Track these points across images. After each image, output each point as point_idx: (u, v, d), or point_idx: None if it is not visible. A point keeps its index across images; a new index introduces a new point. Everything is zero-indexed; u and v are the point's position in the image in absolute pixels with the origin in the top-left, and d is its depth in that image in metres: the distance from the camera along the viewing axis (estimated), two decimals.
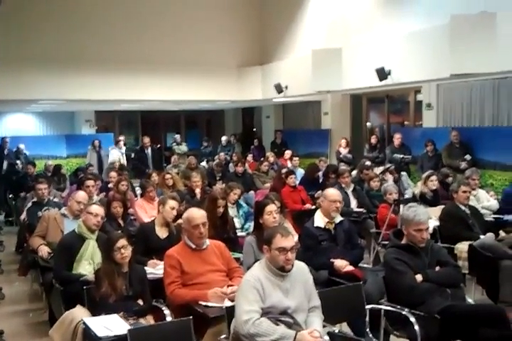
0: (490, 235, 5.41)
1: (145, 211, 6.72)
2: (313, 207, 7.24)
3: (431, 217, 5.35)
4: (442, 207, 6.12)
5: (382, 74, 8.62)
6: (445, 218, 5.72)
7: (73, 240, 4.59)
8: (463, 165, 8.70)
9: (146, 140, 12.76)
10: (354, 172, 8.75)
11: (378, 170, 9.19)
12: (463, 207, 5.73)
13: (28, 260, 5.55)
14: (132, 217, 6.60)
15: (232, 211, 6.16)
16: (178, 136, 14.73)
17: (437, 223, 5.84)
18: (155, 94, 11.69)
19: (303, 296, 3.30)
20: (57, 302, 4.50)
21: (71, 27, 10.98)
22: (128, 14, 11.55)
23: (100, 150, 13.26)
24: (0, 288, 6.02)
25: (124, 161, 12.60)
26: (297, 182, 8.34)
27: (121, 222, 5.95)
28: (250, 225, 5.93)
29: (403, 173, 9.07)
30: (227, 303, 3.61)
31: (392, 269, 3.85)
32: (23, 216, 6.91)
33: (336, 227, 4.79)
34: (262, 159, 11.16)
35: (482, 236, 5.37)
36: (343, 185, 7.41)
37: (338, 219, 4.85)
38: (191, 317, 3.33)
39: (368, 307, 3.79)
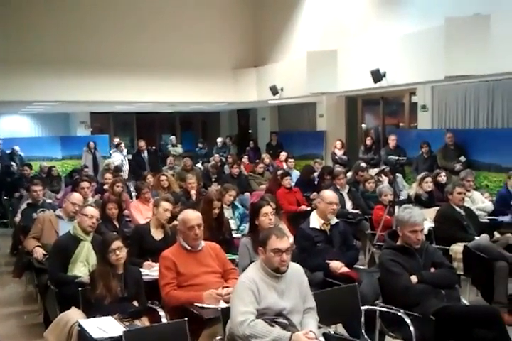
0: (484, 236, 5.43)
1: (140, 212, 6.71)
2: (309, 208, 7.25)
3: (426, 219, 5.36)
4: (437, 208, 6.13)
5: (377, 76, 8.64)
6: (440, 219, 5.73)
7: (68, 242, 4.58)
8: (457, 166, 8.73)
9: (142, 143, 12.71)
10: (349, 174, 8.76)
11: (373, 171, 9.22)
12: (458, 209, 5.74)
13: (23, 262, 5.53)
14: (127, 219, 6.59)
15: (227, 212, 6.16)
16: (173, 138, 14.73)
17: (432, 224, 5.85)
18: (150, 95, 11.69)
19: (298, 297, 3.31)
20: (52, 304, 4.48)
21: (66, 29, 10.99)
22: (123, 16, 11.56)
23: (95, 151, 13.24)
24: None
25: (126, 164, 12.59)
26: (293, 183, 8.34)
27: (116, 223, 5.93)
28: (245, 227, 5.93)
29: (398, 175, 9.09)
30: (223, 305, 3.61)
31: (387, 270, 3.85)
32: (18, 218, 6.89)
33: (332, 229, 4.81)
34: (258, 161, 11.16)
35: (477, 238, 5.39)
36: (339, 187, 7.42)
37: (334, 220, 4.86)
38: (186, 318, 3.33)
39: (363, 308, 3.79)
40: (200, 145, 15.09)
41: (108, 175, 8.57)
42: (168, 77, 11.64)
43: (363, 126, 12.84)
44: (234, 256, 4.72)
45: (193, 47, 12.05)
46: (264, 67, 12.37)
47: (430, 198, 7.04)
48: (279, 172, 8.59)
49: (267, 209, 4.68)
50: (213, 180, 10.14)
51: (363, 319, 3.79)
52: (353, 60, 9.38)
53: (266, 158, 11.33)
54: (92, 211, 4.72)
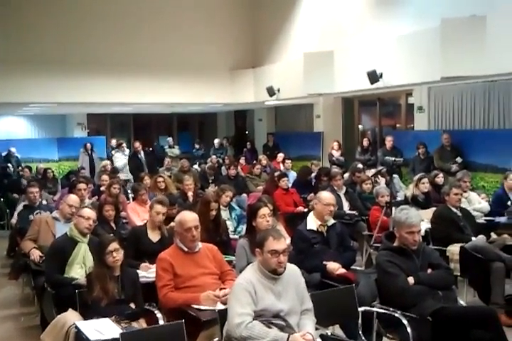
0: (481, 237, 5.44)
1: (137, 214, 6.69)
2: (306, 209, 7.25)
3: (423, 220, 5.37)
4: (434, 209, 6.14)
5: (374, 77, 8.66)
6: (437, 220, 5.74)
7: (65, 243, 4.57)
8: (454, 167, 8.75)
9: (137, 144, 12.64)
10: (346, 175, 8.77)
11: (370, 172, 9.22)
12: (454, 210, 5.75)
13: (20, 264, 5.52)
14: (124, 220, 6.58)
15: (224, 214, 6.15)
16: (170, 139, 14.71)
17: (429, 225, 5.86)
18: (147, 97, 11.69)
19: (295, 299, 3.31)
20: (49, 306, 4.47)
21: (64, 30, 10.98)
22: (120, 18, 11.56)
23: (92, 153, 13.22)
24: None
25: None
26: (290, 184, 8.35)
27: (113, 225, 5.92)
28: (243, 228, 5.92)
29: (395, 176, 9.11)
30: (220, 306, 3.61)
31: (384, 272, 3.86)
32: (14, 219, 6.87)
33: (329, 230, 4.81)
34: (255, 162, 11.16)
35: (473, 239, 5.40)
36: (336, 188, 7.42)
37: (331, 221, 4.86)
38: (183, 320, 3.32)
39: (360, 309, 3.79)
40: (197, 146, 15.09)
41: (105, 177, 8.55)
42: (165, 78, 11.63)
43: (360, 127, 12.86)
44: (231, 258, 4.72)
45: (190, 49, 12.05)
46: (261, 68, 12.37)
47: (427, 199, 7.05)
48: (276, 173, 8.59)
49: (265, 210, 4.68)
50: (210, 181, 10.13)
51: (360, 320, 3.79)
52: (349, 61, 9.39)
53: (263, 159, 11.33)
54: (89, 213, 4.71)
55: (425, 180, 7.17)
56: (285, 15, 11.93)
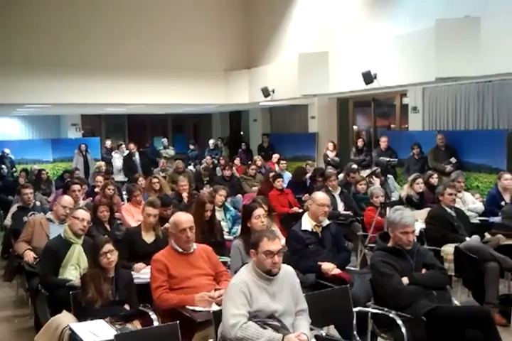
0: (475, 237, 5.46)
1: (132, 215, 6.68)
2: (301, 210, 7.25)
3: (417, 220, 5.40)
4: (428, 209, 6.16)
5: (369, 77, 8.67)
6: (431, 221, 5.75)
7: (59, 245, 4.56)
8: (448, 168, 8.77)
9: (131, 146, 12.61)
10: (341, 176, 8.79)
11: (365, 173, 9.24)
12: (449, 210, 5.76)
13: (14, 265, 5.49)
14: (119, 222, 6.57)
15: (219, 214, 6.15)
16: (165, 140, 14.69)
17: (423, 226, 5.88)
18: (142, 97, 11.66)
19: (290, 300, 3.31)
20: (43, 307, 4.46)
21: (58, 31, 10.93)
22: (115, 19, 11.52)
23: (87, 154, 13.18)
24: None
25: None
26: (285, 185, 8.35)
27: (107, 226, 5.91)
28: (237, 229, 5.92)
29: (389, 176, 9.12)
30: (215, 307, 3.60)
31: (378, 272, 3.86)
32: (8, 221, 6.84)
33: (323, 230, 4.81)
34: (250, 163, 11.16)
35: (468, 239, 5.41)
36: (330, 188, 7.44)
37: (326, 222, 4.86)
38: (178, 321, 3.32)
39: (355, 309, 3.80)
40: (191, 147, 15.07)
41: (99, 178, 8.54)
42: (160, 79, 11.61)
43: (355, 127, 12.87)
44: (226, 259, 4.72)
45: (185, 50, 12.03)
46: (255, 69, 12.37)
47: (421, 199, 7.07)
48: (272, 174, 8.60)
49: (260, 211, 4.68)
50: (205, 182, 10.12)
51: (354, 320, 3.79)
52: (344, 61, 9.40)
53: (258, 160, 11.34)
54: (83, 214, 4.70)
55: (420, 180, 7.19)
56: (280, 15, 11.93)
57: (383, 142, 10.18)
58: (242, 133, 17.42)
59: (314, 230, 4.79)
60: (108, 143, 13.69)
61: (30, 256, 5.04)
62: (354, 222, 7.04)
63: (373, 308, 3.80)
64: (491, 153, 8.61)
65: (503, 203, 6.54)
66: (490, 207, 6.68)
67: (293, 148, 13.38)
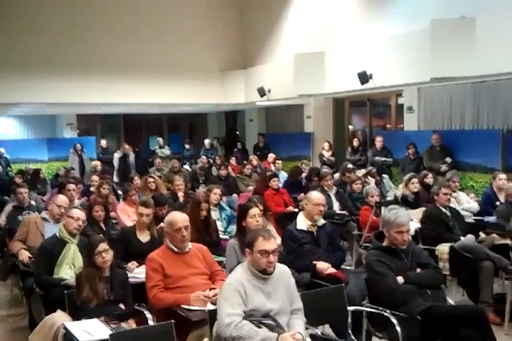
0: (470, 237, 5.47)
1: (127, 215, 6.67)
2: (296, 209, 7.26)
3: (412, 219, 5.41)
4: (424, 209, 6.17)
5: (364, 77, 8.69)
6: (426, 220, 5.77)
7: (54, 244, 4.55)
8: (443, 167, 8.79)
9: (126, 146, 12.53)
10: (336, 175, 8.80)
11: (360, 172, 9.25)
12: (444, 209, 5.78)
13: (8, 264, 5.46)
14: (114, 221, 6.56)
15: (214, 214, 6.15)
16: (160, 140, 14.67)
17: (419, 225, 5.89)
18: (137, 97, 11.64)
19: (285, 299, 3.31)
20: (38, 307, 4.45)
21: (52, 31, 10.91)
22: (110, 18, 11.50)
23: (82, 153, 13.16)
24: None
25: None
26: (280, 185, 8.35)
27: (103, 225, 5.90)
28: (233, 228, 5.92)
29: (385, 176, 9.14)
30: (210, 307, 3.60)
31: (373, 271, 3.87)
32: (3, 220, 6.82)
33: (319, 230, 4.82)
34: (245, 162, 11.16)
35: (463, 238, 5.43)
36: (326, 188, 7.44)
37: (321, 221, 4.87)
38: (173, 320, 3.32)
39: (350, 308, 3.81)
40: (187, 146, 15.05)
41: (95, 177, 8.52)
42: (155, 79, 11.60)
43: (350, 127, 12.89)
44: (221, 258, 4.72)
45: (181, 50, 12.02)
46: (251, 69, 12.38)
47: (416, 199, 7.08)
48: (268, 173, 8.59)
49: (255, 210, 4.68)
50: (201, 181, 10.12)
51: (349, 319, 3.80)
52: (340, 61, 9.41)
53: (253, 159, 11.34)
54: (78, 213, 4.69)
55: (415, 180, 7.21)
56: (275, 16, 11.94)
57: (379, 142, 10.20)
58: (237, 132, 17.42)
59: (310, 229, 4.80)
60: (103, 142, 13.66)
61: (24, 255, 5.02)
62: (349, 221, 7.05)
63: (368, 307, 3.81)
64: (486, 153, 8.64)
65: (497, 203, 6.56)
66: (485, 207, 6.71)
67: (288, 148, 13.39)
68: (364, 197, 6.91)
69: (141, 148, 16.03)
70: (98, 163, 11.30)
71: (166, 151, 14.01)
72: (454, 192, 6.70)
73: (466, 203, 6.90)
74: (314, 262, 4.60)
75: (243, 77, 12.50)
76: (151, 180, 8.05)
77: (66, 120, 15.93)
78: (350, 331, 3.82)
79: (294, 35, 11.40)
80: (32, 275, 4.68)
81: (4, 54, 10.36)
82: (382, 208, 6.13)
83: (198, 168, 10.85)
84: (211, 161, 12.60)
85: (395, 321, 3.58)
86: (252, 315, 3.18)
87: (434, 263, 4.14)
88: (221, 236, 5.80)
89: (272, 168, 11.08)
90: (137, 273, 4.42)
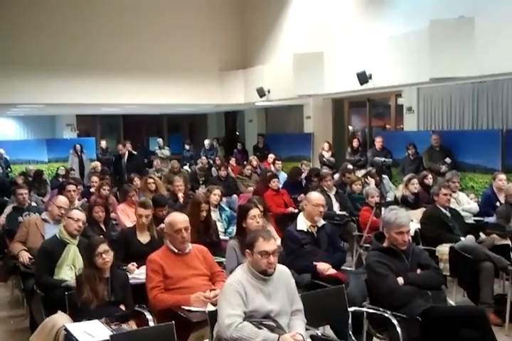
0: (470, 237, 5.47)
1: (127, 216, 6.67)
2: (296, 210, 7.26)
3: (412, 220, 5.40)
4: (423, 209, 6.17)
5: (364, 78, 8.69)
6: (426, 221, 5.77)
7: (54, 245, 4.54)
8: (443, 168, 8.79)
9: (120, 147, 12.47)
10: (336, 176, 8.79)
11: (360, 173, 9.25)
12: (444, 210, 5.78)
13: (9, 266, 5.46)
14: (115, 222, 6.55)
15: (214, 215, 6.15)
16: (160, 140, 14.68)
17: (418, 226, 5.89)
18: (137, 97, 11.65)
19: (285, 300, 3.31)
20: (39, 308, 4.44)
21: (51, 31, 10.92)
22: (110, 18, 11.52)
23: (82, 154, 13.15)
24: None
25: None
26: (280, 185, 8.35)
27: (103, 226, 5.89)
28: (233, 229, 5.91)
29: (385, 176, 9.13)
30: (210, 308, 3.60)
31: (374, 272, 3.87)
32: (3, 221, 6.82)
33: (319, 231, 4.82)
34: (245, 163, 11.16)
35: (463, 239, 5.43)
36: (326, 189, 7.44)
37: (321, 222, 4.87)
38: (174, 321, 3.31)
39: (350, 309, 3.80)
40: (187, 147, 15.06)
41: (95, 178, 8.51)
42: (155, 79, 11.60)
43: (350, 128, 12.90)
44: (221, 259, 4.71)
45: (181, 50, 12.03)
46: (251, 70, 12.38)
47: (416, 199, 7.09)
48: (268, 174, 8.59)
49: (255, 211, 4.68)
50: (201, 182, 10.12)
51: (350, 320, 3.80)
52: (339, 62, 9.42)
53: (253, 160, 11.34)
54: (79, 214, 4.69)
55: (415, 180, 7.21)
56: (275, 16, 11.95)
57: (378, 142, 10.20)
58: (237, 133, 17.42)
59: (310, 230, 4.80)
60: (103, 143, 13.66)
61: (25, 256, 5.02)
62: (349, 222, 7.05)
63: (369, 308, 3.80)
64: (486, 154, 8.65)
65: (497, 203, 6.55)
66: (485, 208, 6.70)
67: (288, 149, 13.39)
68: (364, 198, 6.91)
69: (138, 148, 16.00)
70: (98, 163, 11.31)
71: (166, 152, 14.02)
72: (454, 192, 6.70)
73: (466, 204, 6.90)
74: (314, 263, 4.59)
75: (242, 77, 12.51)
76: (151, 181, 8.03)
77: (66, 121, 15.94)
78: (350, 332, 3.81)
79: (294, 36, 11.41)
80: (33, 276, 4.67)
81: (4, 54, 10.36)
82: (382, 209, 6.12)
83: (198, 168, 10.84)
84: (211, 162, 12.61)
85: (395, 322, 3.58)
86: (253, 316, 3.18)
87: (434, 264, 4.13)
88: (221, 237, 5.80)
89: (272, 168, 11.09)
90: (137, 274, 4.42)
